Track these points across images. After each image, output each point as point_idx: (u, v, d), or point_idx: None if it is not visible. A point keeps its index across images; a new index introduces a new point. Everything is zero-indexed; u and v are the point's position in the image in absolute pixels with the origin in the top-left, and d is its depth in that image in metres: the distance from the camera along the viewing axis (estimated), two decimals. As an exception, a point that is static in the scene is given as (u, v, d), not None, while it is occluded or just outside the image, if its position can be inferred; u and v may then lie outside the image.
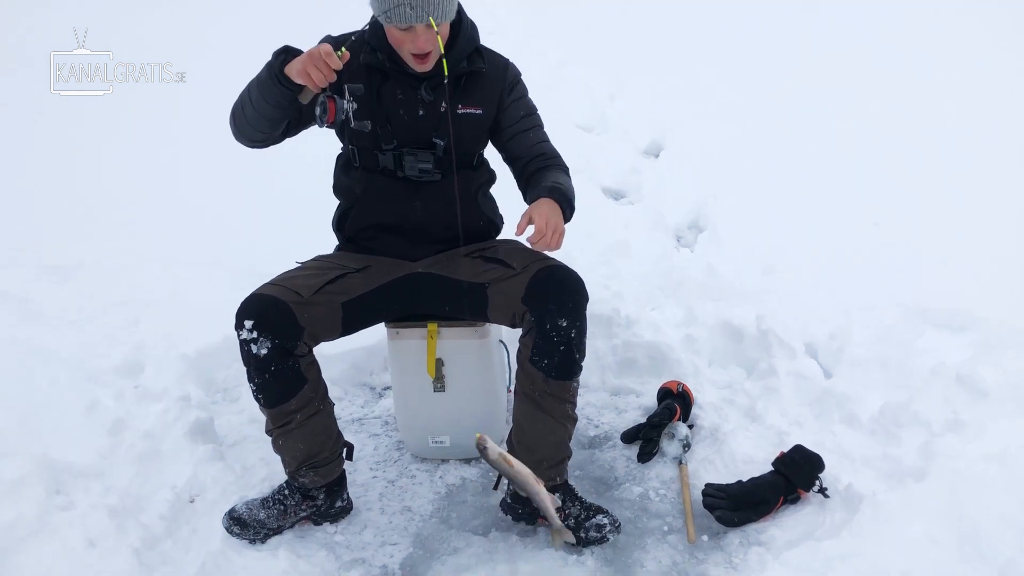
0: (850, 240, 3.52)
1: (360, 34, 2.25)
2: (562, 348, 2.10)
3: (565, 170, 2.32)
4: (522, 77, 2.40)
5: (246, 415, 2.86)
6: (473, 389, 2.55)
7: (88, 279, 3.82)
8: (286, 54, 2.01)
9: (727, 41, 6.02)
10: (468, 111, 2.29)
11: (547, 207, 2.06)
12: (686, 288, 3.26)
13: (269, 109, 2.07)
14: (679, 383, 2.65)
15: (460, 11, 2.26)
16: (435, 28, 2.05)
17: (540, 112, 2.41)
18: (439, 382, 2.52)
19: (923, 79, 4.98)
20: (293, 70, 1.96)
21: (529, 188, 2.29)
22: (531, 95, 2.41)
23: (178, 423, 2.68)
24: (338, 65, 1.92)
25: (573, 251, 3.41)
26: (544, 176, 2.26)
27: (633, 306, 3.07)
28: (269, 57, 2.03)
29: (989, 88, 4.75)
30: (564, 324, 2.08)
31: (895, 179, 3.94)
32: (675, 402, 2.58)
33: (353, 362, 3.09)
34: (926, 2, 6.10)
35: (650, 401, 2.76)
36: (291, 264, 3.60)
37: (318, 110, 1.99)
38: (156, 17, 7.72)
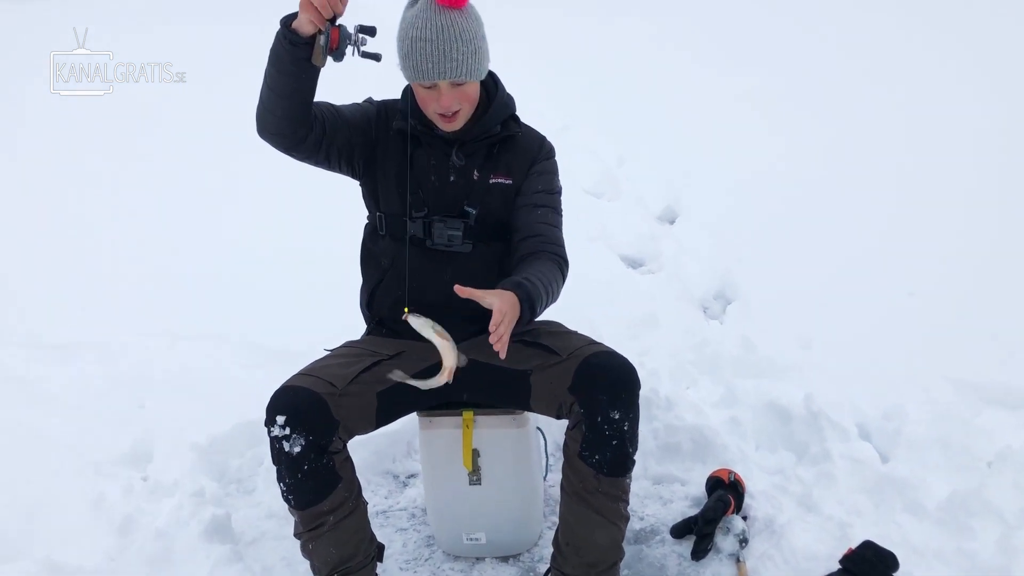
0: (886, 310, 3.40)
1: (395, 102, 2.21)
2: (615, 443, 1.94)
3: (558, 264, 2.11)
4: (555, 157, 2.29)
5: (264, 508, 2.68)
6: (511, 482, 2.38)
7: (90, 356, 3.66)
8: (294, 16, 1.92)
9: (737, 102, 5.95)
10: (499, 180, 2.19)
11: (507, 305, 1.84)
12: (722, 363, 3.12)
13: (278, 79, 1.95)
14: (730, 471, 2.49)
15: (495, 80, 2.20)
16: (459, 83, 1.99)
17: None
18: (475, 475, 2.35)
19: (952, 136, 4.90)
20: (299, 16, 1.86)
21: (519, 266, 2.12)
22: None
23: (192, 521, 2.50)
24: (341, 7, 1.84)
25: (599, 323, 3.29)
26: (529, 265, 2.06)
27: (670, 385, 2.92)
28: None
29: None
30: (616, 416, 1.92)
31: (927, 245, 3.83)
32: (727, 493, 2.41)
33: (375, 448, 2.92)
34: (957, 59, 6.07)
35: (697, 490, 2.59)
36: (307, 340, 3.52)
37: (322, 40, 1.87)
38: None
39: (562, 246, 2.18)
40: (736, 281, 3.84)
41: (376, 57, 1.98)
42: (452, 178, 2.16)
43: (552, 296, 2.04)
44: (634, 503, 2.62)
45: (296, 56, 1.91)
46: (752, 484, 2.52)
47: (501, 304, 1.82)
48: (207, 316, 3.93)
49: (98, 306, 4.14)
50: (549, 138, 2.30)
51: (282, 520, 2.62)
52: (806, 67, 6.32)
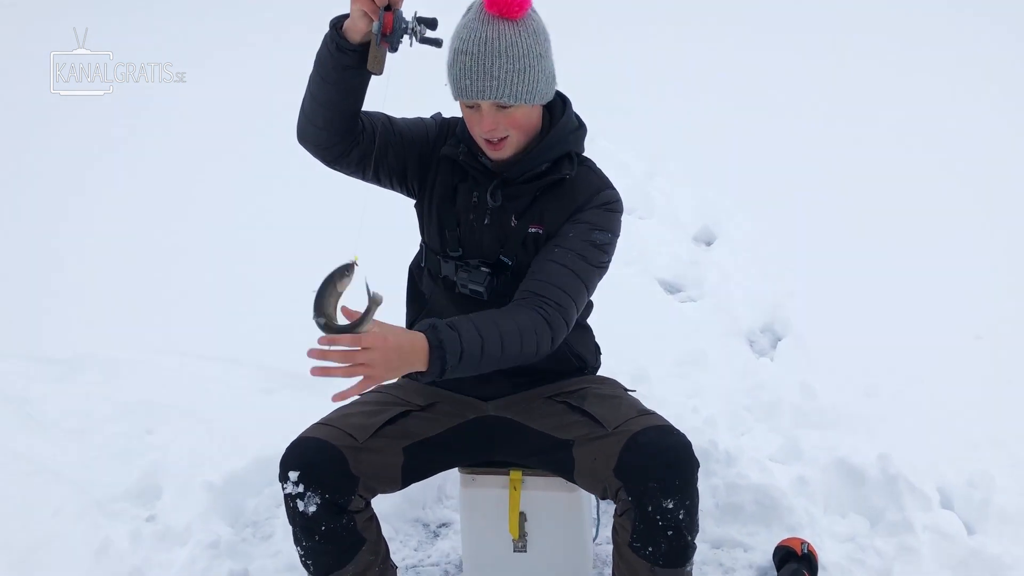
0: (952, 355, 3.17)
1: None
2: (670, 533, 1.67)
3: (543, 313, 1.71)
4: (617, 214, 1.87)
5: (283, 559, 2.43)
6: (560, 549, 2.16)
7: (93, 376, 3.43)
8: (344, 17, 1.72)
9: (779, 109, 5.73)
10: (535, 230, 1.86)
11: (390, 343, 1.51)
12: (780, 411, 2.88)
13: (322, 87, 1.76)
14: (802, 542, 2.25)
15: (565, 106, 1.89)
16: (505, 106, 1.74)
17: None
18: (521, 541, 2.12)
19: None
20: (351, 15, 1.67)
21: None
22: None
23: (207, 576, 2.27)
24: None
25: (643, 360, 3.07)
26: (494, 311, 1.73)
27: (729, 437, 2.69)
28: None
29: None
30: (670, 506, 1.65)
31: (992, 285, 3.60)
32: (802, 567, 2.18)
33: (405, 494, 2.66)
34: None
35: (761, 558, 2.35)
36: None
37: (375, 26, 1.65)
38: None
39: (564, 293, 1.75)
40: (787, 316, 3.60)
41: (436, 43, 1.73)
42: (487, 221, 1.88)
43: (493, 353, 1.65)
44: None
45: (341, 63, 1.71)
46: (824, 555, 2.29)
47: (375, 343, 1.48)
48: (217, 333, 3.71)
49: (101, 318, 3.92)
50: None
51: (303, 573, 2.39)
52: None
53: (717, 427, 2.72)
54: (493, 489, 2.10)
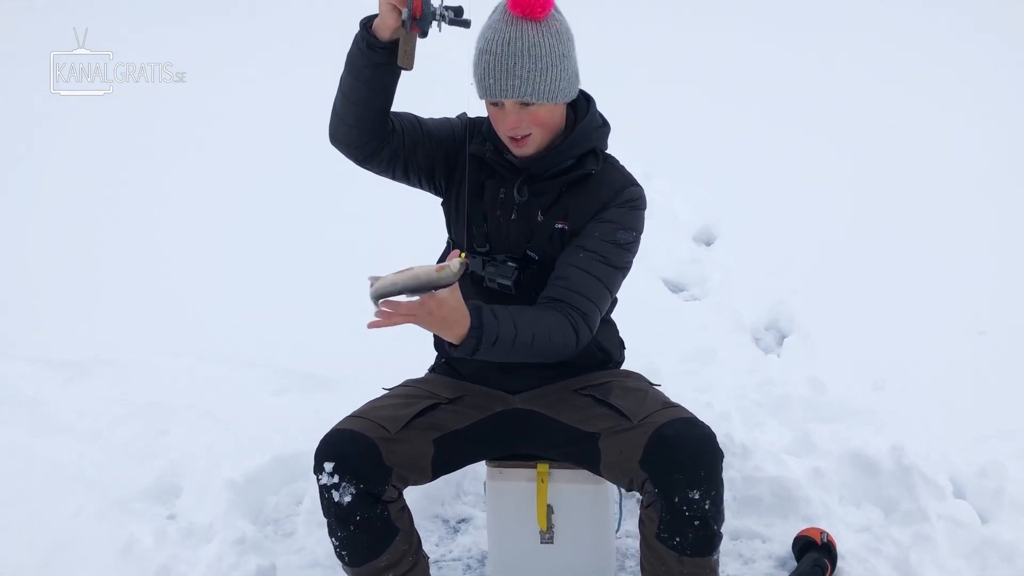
0: (957, 349, 3.23)
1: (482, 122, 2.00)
2: (697, 523, 1.71)
3: (570, 318, 1.78)
4: (641, 211, 1.92)
5: (306, 556, 2.46)
6: (586, 541, 2.18)
7: (104, 378, 3.44)
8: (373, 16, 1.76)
9: (775, 107, 5.79)
10: (561, 225, 1.90)
11: (428, 311, 1.61)
12: (791, 406, 2.93)
13: (354, 86, 1.81)
14: (821, 531, 2.29)
15: (589, 104, 1.93)
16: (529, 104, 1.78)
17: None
18: (548, 533, 2.15)
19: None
20: (380, 12, 1.72)
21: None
22: None
23: (235, 573, 2.29)
24: None
25: (652, 354, 3.10)
26: (524, 309, 1.79)
27: (744, 431, 2.73)
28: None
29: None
30: (697, 496, 1.69)
31: (993, 281, 3.67)
32: (823, 556, 2.22)
33: (423, 490, 2.69)
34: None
35: (780, 549, 2.39)
36: (342, 365, 3.34)
37: (404, 13, 1.68)
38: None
39: (587, 299, 1.81)
40: (791, 313, 3.65)
41: (465, 24, 1.77)
42: (513, 216, 1.92)
43: (528, 338, 1.73)
44: (713, 562, 2.43)
45: (373, 60, 1.75)
46: (841, 544, 2.32)
47: (428, 304, 1.60)
48: (228, 335, 3.73)
49: (109, 321, 3.93)
50: None
51: (328, 569, 2.41)
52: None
53: (732, 421, 2.77)
54: (520, 482, 2.13)
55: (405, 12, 1.68)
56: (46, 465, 2.81)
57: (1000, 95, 5.98)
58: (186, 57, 5.54)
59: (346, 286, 3.88)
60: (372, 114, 1.84)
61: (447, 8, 1.74)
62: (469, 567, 2.49)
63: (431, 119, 1.99)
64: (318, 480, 1.80)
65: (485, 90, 1.79)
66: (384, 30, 1.73)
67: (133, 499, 2.64)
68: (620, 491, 2.33)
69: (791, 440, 2.76)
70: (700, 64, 6.97)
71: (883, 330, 3.41)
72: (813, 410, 2.90)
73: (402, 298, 1.61)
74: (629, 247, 1.89)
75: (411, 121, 1.94)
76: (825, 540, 2.27)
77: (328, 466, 1.77)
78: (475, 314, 1.68)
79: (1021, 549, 2.22)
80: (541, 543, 2.17)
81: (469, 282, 1.97)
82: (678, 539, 1.73)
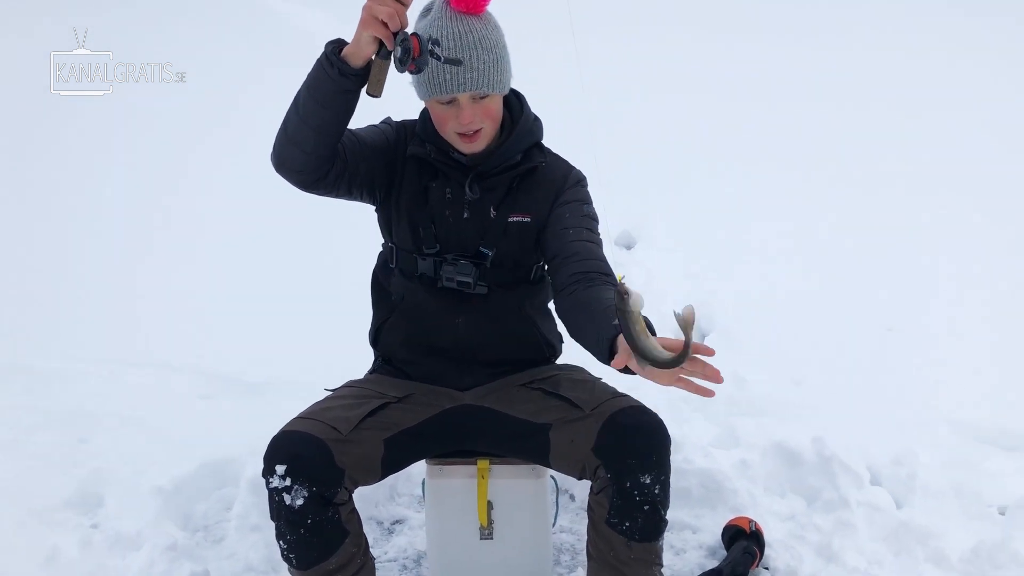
0: (867, 347, 3.38)
1: (413, 124, 1.99)
2: (646, 507, 1.77)
3: (613, 285, 1.83)
4: (587, 186, 2.03)
5: (239, 561, 2.41)
6: (525, 536, 2.20)
7: (18, 388, 3.32)
8: (340, 41, 1.70)
9: (694, 118, 5.96)
10: (518, 219, 1.95)
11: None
12: (714, 400, 2.98)
13: (317, 112, 1.72)
14: (750, 520, 2.37)
15: (520, 99, 1.98)
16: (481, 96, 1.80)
17: None
18: (488, 529, 2.17)
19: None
20: (354, 39, 1.65)
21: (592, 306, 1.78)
22: None
23: (166, 581, 2.23)
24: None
25: (583, 357, 3.15)
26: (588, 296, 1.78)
27: (674, 427, 2.79)
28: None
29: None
30: (648, 481, 1.75)
31: (899, 279, 3.85)
32: (752, 544, 2.30)
33: (357, 493, 2.69)
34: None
35: (710, 539, 2.47)
36: (271, 370, 3.30)
37: (399, 51, 1.62)
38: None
39: (606, 262, 1.88)
40: (711, 314, 3.76)
41: (458, 62, 1.75)
42: (466, 215, 1.95)
43: None
44: (645, 553, 2.49)
45: (344, 87, 1.69)
46: (767, 532, 2.41)
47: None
48: (152, 341, 3.65)
49: (24, 326, 3.79)
50: None
51: (262, 574, 2.38)
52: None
53: (662, 417, 2.83)
54: (460, 479, 2.13)
55: (399, 51, 1.62)
56: (-44, 477, 2.70)
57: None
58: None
59: (272, 291, 3.89)
60: (331, 139, 1.78)
61: (435, 43, 1.71)
62: (405, 567, 2.49)
63: (362, 129, 1.96)
64: (268, 483, 1.75)
65: (439, 88, 1.78)
66: (359, 59, 1.67)
67: (54, 509, 2.56)
68: (556, 486, 2.37)
69: (717, 434, 2.85)
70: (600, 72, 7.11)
71: (799, 328, 3.55)
72: (736, 405, 2.99)
73: None
74: (596, 218, 1.98)
75: (349, 136, 1.88)
76: (753, 528, 2.35)
77: (280, 469, 1.73)
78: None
79: (933, 531, 2.34)
80: (481, 539, 2.18)
81: (419, 284, 1.97)
82: (628, 524, 1.78)
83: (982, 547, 2.24)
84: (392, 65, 1.65)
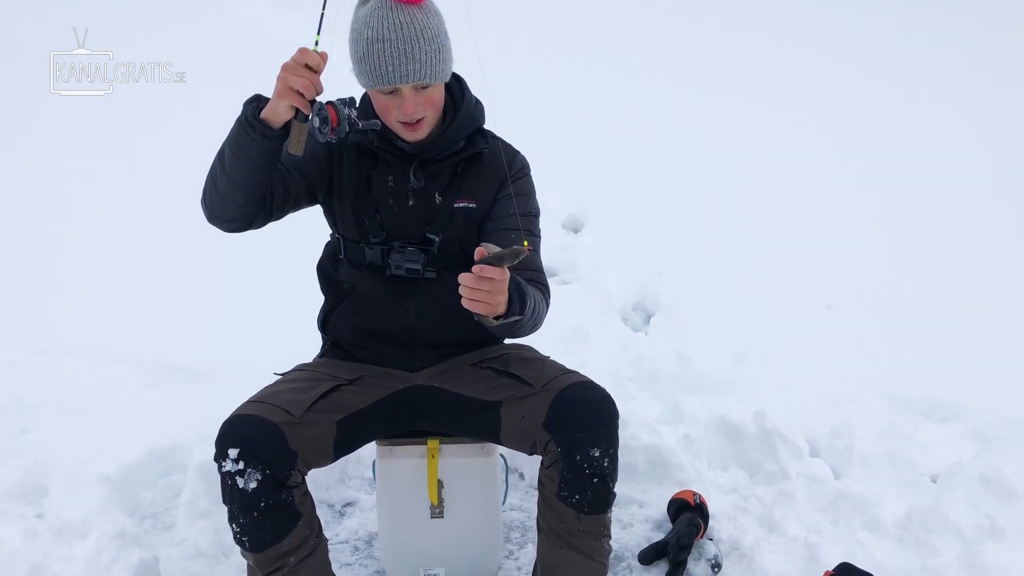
0: (809, 323, 3.48)
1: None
2: (595, 480, 1.82)
3: (541, 292, 1.93)
4: (530, 175, 2.06)
5: (189, 547, 2.41)
6: (476, 514, 2.24)
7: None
8: (258, 100, 1.70)
9: (635, 102, 6.02)
10: (463, 204, 1.98)
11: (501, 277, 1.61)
12: (660, 379, 3.08)
13: (244, 171, 1.73)
14: (694, 493, 2.43)
15: (462, 84, 2.00)
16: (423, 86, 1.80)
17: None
18: (439, 507, 2.20)
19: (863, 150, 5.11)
20: (271, 106, 1.66)
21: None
22: None
23: (116, 567, 2.21)
24: (318, 62, 1.63)
25: (529, 338, 3.20)
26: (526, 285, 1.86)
27: (619, 404, 2.83)
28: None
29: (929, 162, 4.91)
30: (597, 454, 1.80)
31: (840, 259, 3.96)
32: (696, 516, 2.36)
33: (308, 476, 2.69)
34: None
35: (656, 513, 2.53)
36: (216, 357, 3.27)
37: (316, 121, 1.66)
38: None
39: (542, 272, 1.99)
40: (656, 294, 3.83)
41: (374, 125, 1.83)
42: (411, 202, 1.96)
43: (534, 320, 1.86)
44: (594, 528, 2.53)
45: (266, 148, 1.70)
46: (712, 505, 2.48)
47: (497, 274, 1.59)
48: (92, 330, 3.58)
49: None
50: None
51: (212, 559, 2.38)
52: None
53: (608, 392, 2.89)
54: (410, 459, 2.15)
55: (316, 120, 1.66)
56: None
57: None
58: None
59: (214, 278, 3.85)
60: (259, 190, 1.80)
61: (345, 103, 1.72)
62: (356, 548, 2.50)
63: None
64: (220, 467, 1.75)
65: (382, 78, 1.77)
66: (278, 122, 1.68)
67: (-6, 500, 2.52)
68: (506, 465, 2.40)
69: (662, 411, 2.91)
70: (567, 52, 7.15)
71: (742, 307, 3.63)
72: (681, 383, 3.06)
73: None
74: (538, 211, 2.04)
75: (279, 170, 1.88)
76: (698, 501, 2.41)
77: (232, 452, 1.73)
78: (516, 287, 1.69)
79: (868, 499, 2.42)
80: (431, 518, 2.21)
81: (368, 272, 1.98)
82: (577, 496, 1.83)
83: (914, 512, 2.34)
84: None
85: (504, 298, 1.64)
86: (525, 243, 1.61)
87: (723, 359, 3.20)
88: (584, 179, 5.33)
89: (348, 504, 2.70)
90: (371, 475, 2.54)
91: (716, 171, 4.99)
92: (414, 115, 1.83)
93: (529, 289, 1.79)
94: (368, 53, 1.77)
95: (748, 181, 4.85)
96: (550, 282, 3.78)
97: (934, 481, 2.54)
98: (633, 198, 4.93)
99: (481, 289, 1.59)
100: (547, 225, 4.67)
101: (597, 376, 3.05)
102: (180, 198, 4.85)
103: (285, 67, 1.62)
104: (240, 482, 1.73)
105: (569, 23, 7.72)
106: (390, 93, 1.82)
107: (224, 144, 1.75)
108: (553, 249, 4.43)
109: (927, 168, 4.85)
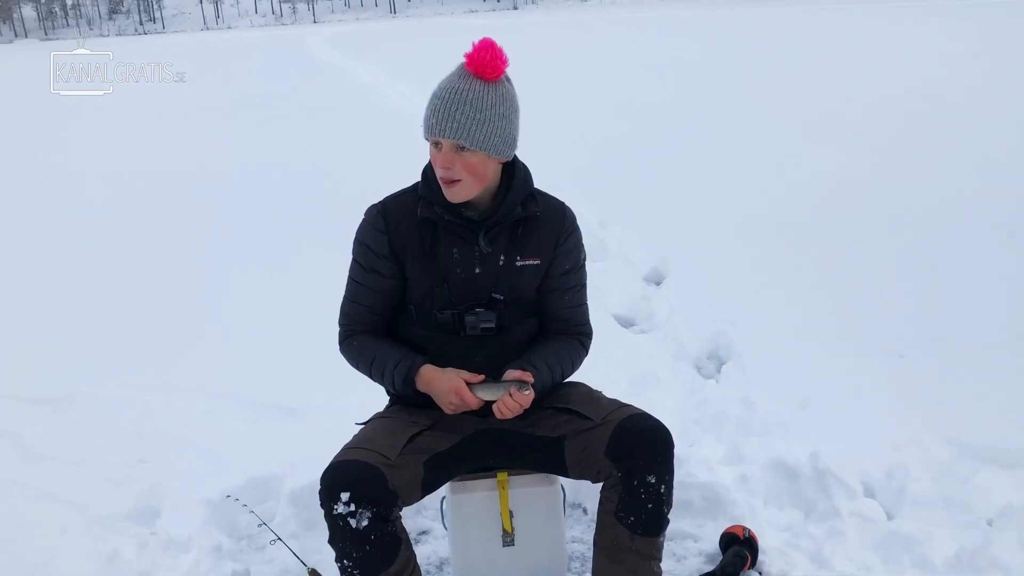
0: (876, 372, 3.53)
1: (413, 189, 2.18)
2: (650, 505, 2.01)
3: (580, 341, 2.26)
4: (578, 227, 2.26)
5: (277, 565, 2.66)
6: (544, 540, 2.38)
7: (82, 413, 3.65)
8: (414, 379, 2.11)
9: (717, 161, 6.17)
10: (527, 263, 2.15)
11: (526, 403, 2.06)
12: (725, 422, 3.19)
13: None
14: (744, 527, 2.54)
15: (515, 162, 2.15)
16: (460, 149, 1.99)
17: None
18: (509, 535, 2.36)
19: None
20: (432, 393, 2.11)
21: (533, 347, 2.21)
22: None
23: (211, 576, 2.48)
24: (476, 404, 2.05)
25: (600, 381, 3.35)
26: (544, 347, 2.20)
27: (680, 444, 2.97)
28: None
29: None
30: (653, 480, 1.99)
31: (912, 306, 3.99)
32: (743, 548, 2.47)
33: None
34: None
35: (710, 547, 2.64)
36: (305, 397, 3.56)
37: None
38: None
39: (586, 322, 2.29)
40: (729, 343, 3.94)
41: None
42: (478, 269, 2.12)
43: (561, 374, 2.21)
44: (649, 559, 2.66)
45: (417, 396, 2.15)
46: (764, 541, 2.57)
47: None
48: (200, 369, 3.95)
49: (84, 357, 4.15)
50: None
51: (297, 576, 2.61)
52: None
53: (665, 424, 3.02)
54: (480, 492, 2.33)
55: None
56: (30, 490, 3.00)
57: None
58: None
59: (305, 326, 4.18)
60: None
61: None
62: (428, 572, 2.69)
63: (370, 285, 2.18)
64: (332, 510, 1.90)
65: (427, 128, 2.01)
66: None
67: (115, 519, 2.83)
68: (564, 494, 2.56)
69: (723, 453, 3.02)
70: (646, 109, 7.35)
71: (809, 356, 3.70)
72: (744, 426, 3.16)
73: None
74: (585, 260, 2.28)
75: (377, 308, 2.21)
76: (747, 535, 2.52)
77: (344, 496, 1.89)
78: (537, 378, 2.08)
79: (919, 539, 2.48)
80: (503, 546, 2.35)
81: (441, 334, 2.15)
82: (632, 518, 2.02)
83: (964, 552, 2.38)
84: None
85: (530, 401, 2.05)
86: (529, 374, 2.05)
87: (787, 404, 3.28)
88: (669, 231, 5.52)
89: (422, 532, 2.90)
90: (439, 506, 2.69)
91: (784, 216, 5.08)
92: (448, 172, 2.00)
93: (553, 366, 2.15)
94: (427, 106, 2.01)
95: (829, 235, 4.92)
96: (627, 331, 4.05)
97: (990, 524, 2.56)
98: (713, 250, 5.07)
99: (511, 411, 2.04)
100: (628, 276, 4.95)
101: (662, 417, 3.21)
102: (284, 252, 5.31)
103: (449, 401, 2.07)
104: (352, 522, 1.90)
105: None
106: (435, 145, 2.03)
107: (371, 372, 2.18)
108: (633, 299, 4.63)
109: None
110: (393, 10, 74.40)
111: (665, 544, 2.65)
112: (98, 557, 2.59)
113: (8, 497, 2.98)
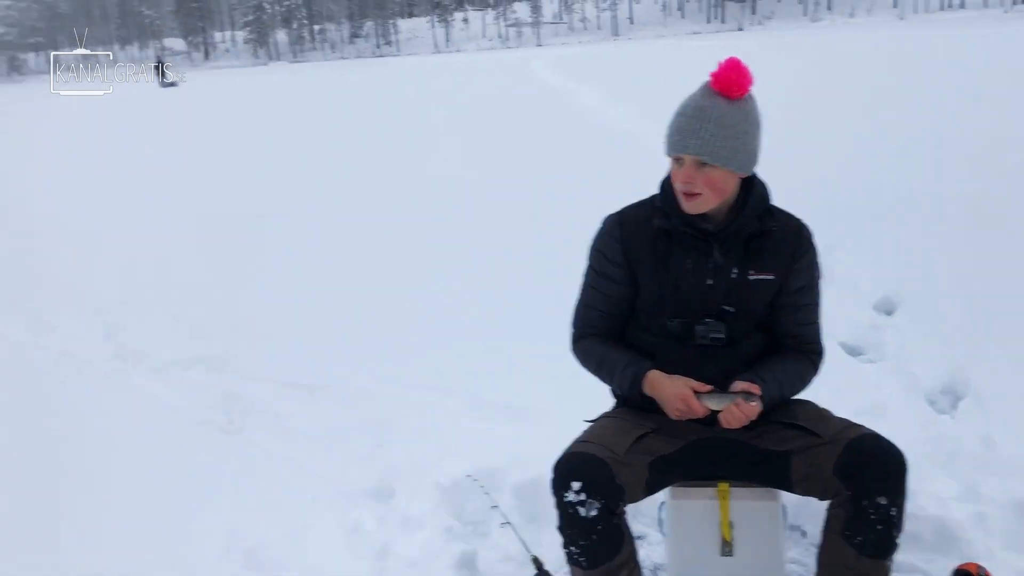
0: None
1: (649, 200, 2.25)
2: (879, 527, 1.97)
3: (810, 359, 2.27)
4: (814, 241, 2.26)
5: (499, 552, 2.81)
6: (762, 555, 2.38)
7: (331, 399, 4.02)
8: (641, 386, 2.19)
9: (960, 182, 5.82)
10: (761, 277, 2.17)
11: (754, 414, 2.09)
12: (960, 459, 3.03)
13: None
14: (978, 566, 2.42)
15: (754, 177, 2.19)
16: (705, 166, 2.05)
17: None
18: (728, 546, 2.39)
19: None
20: (658, 398, 2.17)
21: (763, 361, 2.22)
22: None
23: (444, 554, 2.68)
24: (702, 413, 2.09)
25: (825, 406, 3.30)
26: (777, 364, 2.21)
27: (914, 479, 2.87)
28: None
29: None
30: (884, 502, 1.95)
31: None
32: (978, 587, 2.36)
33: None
34: None
35: (940, 582, 2.54)
36: (530, 399, 3.74)
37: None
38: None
39: (818, 340, 2.29)
40: (968, 378, 3.73)
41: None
42: (711, 281, 2.16)
43: (789, 389, 2.23)
44: (873, 590, 2.59)
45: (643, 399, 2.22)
46: (1000, 583, 2.44)
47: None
48: (435, 369, 4.25)
49: (338, 351, 4.58)
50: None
51: (519, 563, 2.75)
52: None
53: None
54: (701, 500, 2.36)
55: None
56: (285, 463, 3.38)
57: None
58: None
59: (535, 333, 4.38)
60: None
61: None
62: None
63: (602, 290, 2.30)
64: (563, 497, 2.00)
65: (670, 145, 2.09)
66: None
67: (357, 495, 3.11)
68: (786, 513, 2.55)
69: (957, 490, 2.87)
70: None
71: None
72: (981, 464, 2.98)
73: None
74: (820, 277, 2.28)
75: (611, 312, 2.31)
76: (982, 573, 2.40)
77: (575, 485, 1.99)
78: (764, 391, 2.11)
79: None
80: (721, 556, 2.37)
81: (668, 341, 2.21)
82: (860, 538, 1.99)
83: None
84: None
85: (756, 413, 2.08)
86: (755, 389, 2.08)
87: (1033, 446, 3.08)
88: (902, 258, 5.29)
89: (638, 537, 2.95)
90: (656, 513, 2.74)
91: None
92: (688, 186, 2.07)
93: (781, 381, 2.16)
94: (670, 123, 2.10)
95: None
96: (854, 359, 3.98)
97: None
98: (951, 279, 4.80)
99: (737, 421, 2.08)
100: (856, 304, 4.78)
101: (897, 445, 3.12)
102: (523, 267, 5.57)
103: (675, 408, 2.13)
104: (582, 511, 2.00)
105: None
106: (676, 160, 2.10)
107: (601, 373, 2.29)
108: (861, 328, 4.47)
109: None
110: (616, 32, 74.91)
111: (893, 574, 2.61)
112: (343, 527, 2.87)
113: (270, 467, 3.36)
